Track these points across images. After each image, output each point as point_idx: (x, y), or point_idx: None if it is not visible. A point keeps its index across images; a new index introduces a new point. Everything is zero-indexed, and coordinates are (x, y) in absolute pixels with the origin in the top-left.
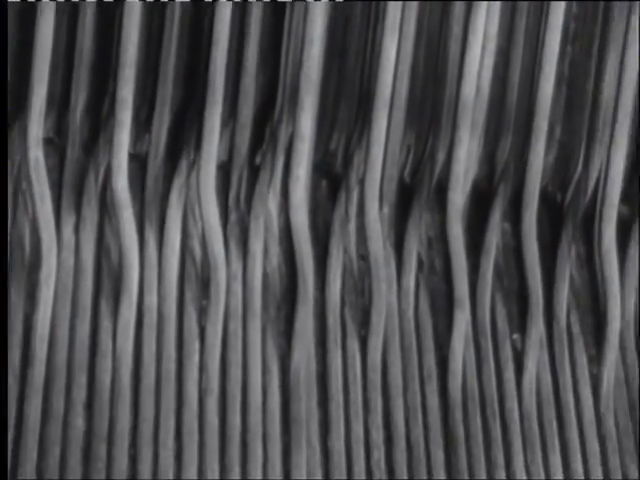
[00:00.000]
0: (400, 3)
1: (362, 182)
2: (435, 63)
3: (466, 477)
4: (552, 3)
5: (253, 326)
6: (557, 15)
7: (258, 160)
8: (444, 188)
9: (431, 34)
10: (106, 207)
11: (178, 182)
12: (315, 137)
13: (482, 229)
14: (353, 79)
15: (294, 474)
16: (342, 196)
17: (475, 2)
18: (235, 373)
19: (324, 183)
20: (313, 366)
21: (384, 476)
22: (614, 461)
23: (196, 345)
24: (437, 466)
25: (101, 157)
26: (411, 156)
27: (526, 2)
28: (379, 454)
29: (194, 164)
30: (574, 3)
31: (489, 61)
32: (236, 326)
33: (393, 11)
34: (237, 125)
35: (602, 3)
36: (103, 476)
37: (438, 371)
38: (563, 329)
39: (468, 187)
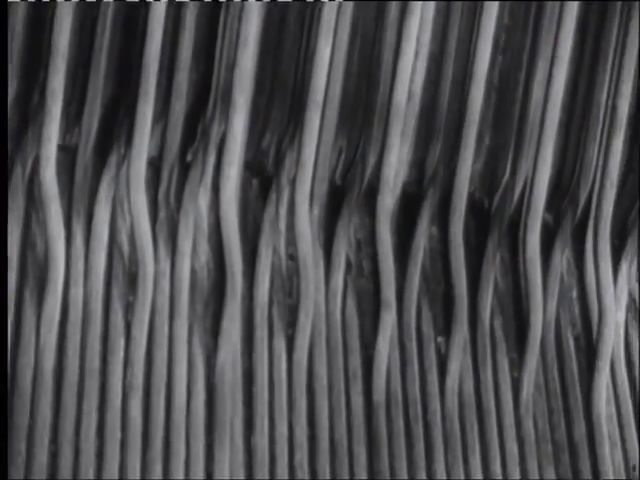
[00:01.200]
0: (335, 5)
1: (293, 182)
2: (369, 66)
3: (387, 477)
4: (484, 13)
5: (179, 323)
6: (489, 25)
7: (189, 157)
8: (374, 191)
9: (365, 38)
10: (33, 199)
11: (107, 176)
12: (247, 136)
13: (410, 233)
14: (286, 79)
15: (216, 473)
16: (273, 196)
17: (409, 8)
18: (160, 370)
19: (255, 182)
20: (239, 364)
21: (306, 476)
22: (532, 463)
23: (121, 341)
24: (359, 466)
25: (29, 148)
26: (342, 158)
27: (459, 10)
28: (302, 453)
29: (124, 159)
30: (505, 14)
31: (421, 67)
32: (162, 323)
33: (328, 13)
34: (169, 121)
35: (533, 15)
36: (22, 472)
37: (363, 372)
38: (486, 333)
39: (398, 191)
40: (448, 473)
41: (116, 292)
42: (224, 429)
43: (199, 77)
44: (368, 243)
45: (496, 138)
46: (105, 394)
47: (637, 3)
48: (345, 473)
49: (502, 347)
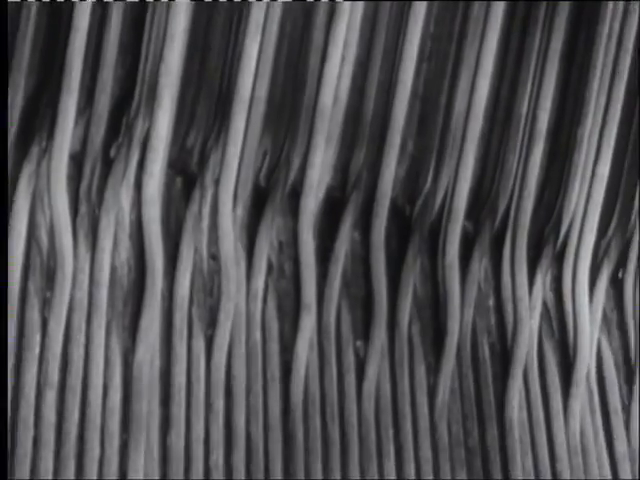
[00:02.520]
0: (264, 5)
1: (217, 182)
2: (295, 68)
3: (302, 477)
4: (410, 20)
5: (97, 320)
6: (415, 33)
7: (112, 153)
8: (298, 194)
9: (293, 39)
10: None
11: (28, 170)
12: (172, 134)
13: (332, 237)
14: (213, 78)
15: (131, 473)
16: (196, 195)
17: (337, 11)
18: (76, 367)
19: (179, 180)
20: (157, 363)
21: (222, 476)
22: (444, 467)
23: (37, 337)
24: (274, 467)
25: None
26: (267, 160)
27: (386, 16)
28: (217, 454)
29: (46, 152)
30: (432, 21)
31: (348, 71)
32: (80, 319)
33: (256, 13)
34: (93, 115)
35: (458, 24)
36: None
37: (281, 373)
38: (404, 338)
39: (321, 194)
40: (362, 474)
41: (33, 287)
42: (140, 428)
43: (125, 72)
44: (290, 245)
45: (419, 145)
46: (19, 390)
47: (558, 14)
48: (260, 473)
49: (419, 352)
